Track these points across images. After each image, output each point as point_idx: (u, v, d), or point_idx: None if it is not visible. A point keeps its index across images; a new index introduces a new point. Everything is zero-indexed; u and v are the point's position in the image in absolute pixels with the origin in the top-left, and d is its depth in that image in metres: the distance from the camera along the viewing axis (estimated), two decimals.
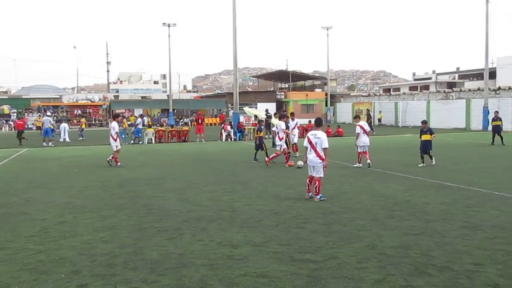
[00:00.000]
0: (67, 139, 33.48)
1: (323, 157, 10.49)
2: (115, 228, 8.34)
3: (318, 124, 11.09)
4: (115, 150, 17.77)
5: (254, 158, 18.85)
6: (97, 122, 62.72)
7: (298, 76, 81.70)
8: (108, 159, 17.85)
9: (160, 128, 34.54)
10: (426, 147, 16.49)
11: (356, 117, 17.64)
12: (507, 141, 24.73)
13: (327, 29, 62.13)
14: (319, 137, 10.58)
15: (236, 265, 6.25)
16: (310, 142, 10.66)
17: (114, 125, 17.91)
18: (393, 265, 6.17)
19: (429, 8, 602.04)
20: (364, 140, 16.41)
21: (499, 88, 43.87)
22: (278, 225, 8.42)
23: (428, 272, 5.92)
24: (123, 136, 30.18)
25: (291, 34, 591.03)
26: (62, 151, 25.62)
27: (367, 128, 16.95)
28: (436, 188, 12.03)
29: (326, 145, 10.52)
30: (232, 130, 32.96)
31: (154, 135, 31.73)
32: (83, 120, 42.74)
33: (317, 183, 10.54)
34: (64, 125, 34.54)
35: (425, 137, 16.58)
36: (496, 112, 26.99)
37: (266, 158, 17.63)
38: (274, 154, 17.70)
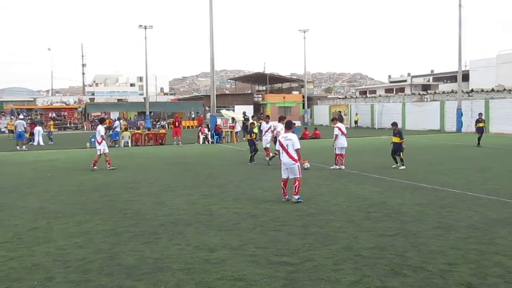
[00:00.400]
0: (41, 143, 32.95)
1: (296, 158, 10.61)
2: (90, 233, 8.22)
3: (289, 127, 11.19)
4: (98, 154, 17.64)
5: (250, 160, 19.01)
6: (72, 125, 61.79)
7: (275, 79, 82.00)
8: (108, 167, 17.51)
9: (136, 131, 34.22)
10: (396, 148, 16.74)
11: (334, 119, 17.77)
12: (483, 142, 25.20)
13: (304, 32, 62.52)
14: (290, 138, 10.72)
15: (213, 269, 6.23)
16: (281, 145, 10.81)
17: (99, 129, 17.81)
18: (368, 266, 6.23)
19: (404, 12, 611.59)
20: (342, 142, 16.59)
21: (472, 91, 44.76)
22: (255, 228, 8.42)
23: (403, 272, 5.99)
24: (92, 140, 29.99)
25: (269, 36, 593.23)
26: (36, 155, 25.16)
27: (345, 130, 17.11)
28: (411, 190, 12.19)
29: (297, 146, 10.66)
30: (209, 132, 32.87)
31: (130, 138, 31.42)
32: (50, 123, 41.95)
33: (297, 182, 10.62)
34: (38, 129, 33.96)
35: (395, 139, 16.82)
36: (480, 114, 27.62)
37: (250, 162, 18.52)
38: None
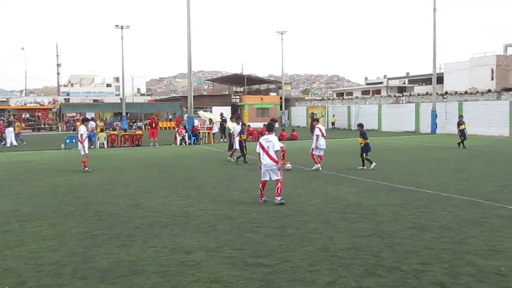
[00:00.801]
0: (14, 143, 32.33)
1: (277, 159, 10.64)
2: (64, 236, 8.09)
3: (270, 128, 11.25)
4: (82, 154, 17.37)
5: (244, 162, 19.04)
6: (46, 126, 60.75)
7: (253, 80, 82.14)
8: (83, 170, 17.24)
9: (112, 132, 33.78)
10: (361, 149, 17.12)
11: (315, 120, 18.04)
12: (454, 144, 25.65)
13: (282, 33, 62.68)
14: (271, 140, 10.76)
15: (189, 271, 6.19)
16: (262, 147, 10.81)
17: (81, 129, 17.57)
18: (344, 267, 6.28)
19: (380, 16, 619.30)
20: (322, 143, 16.80)
21: (446, 93, 45.54)
22: (232, 229, 8.41)
23: (378, 272, 6.06)
24: (73, 140, 29.47)
25: (247, 38, 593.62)
26: (9, 156, 24.64)
27: (324, 131, 17.29)
28: (386, 190, 12.34)
29: (277, 147, 10.72)
30: (186, 134, 32.70)
31: (106, 139, 31.05)
32: (17, 124, 41.04)
33: (279, 184, 10.63)
34: (10, 129, 33.29)
35: (360, 140, 17.23)
36: (461, 116, 28.07)
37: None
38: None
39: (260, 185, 10.96)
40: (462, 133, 25.89)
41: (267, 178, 10.79)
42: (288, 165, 16.65)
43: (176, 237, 7.95)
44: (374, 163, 16.70)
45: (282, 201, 10.57)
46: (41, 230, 8.58)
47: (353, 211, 9.80)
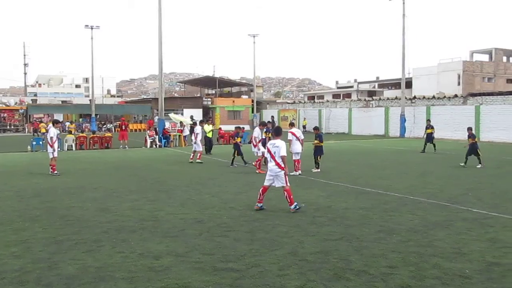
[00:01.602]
0: None
1: (282, 165, 10.23)
2: (29, 242, 7.88)
3: (277, 133, 10.76)
4: (51, 157, 16.98)
5: (245, 163, 19.22)
6: (12, 127, 59.24)
7: (225, 83, 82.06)
8: (50, 172, 16.88)
9: (81, 134, 33.09)
10: (315, 151, 17.51)
11: (290, 124, 17.88)
12: (421, 147, 26.12)
13: (254, 36, 62.95)
14: (278, 145, 10.32)
15: (157, 277, 6.11)
16: (269, 152, 10.43)
17: (51, 131, 17.22)
18: (313, 271, 6.31)
19: (351, 20, 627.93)
20: (297, 147, 16.55)
21: (415, 97, 46.48)
22: (202, 234, 8.35)
23: (346, 276, 6.11)
24: (40, 143, 28.83)
25: (219, 40, 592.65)
26: None
27: (300, 135, 16.93)
28: (356, 194, 12.48)
29: (284, 153, 10.28)
30: (157, 136, 32.38)
31: (74, 141, 30.47)
32: None
33: (286, 193, 10.25)
34: None
35: (315, 142, 17.69)
36: (428, 120, 28.54)
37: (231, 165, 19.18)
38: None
39: (260, 190, 10.52)
40: (428, 137, 26.30)
41: (269, 184, 10.40)
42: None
43: (144, 242, 7.84)
44: (319, 170, 17.08)
45: (297, 207, 10.15)
46: (5, 235, 8.34)
47: (322, 215, 9.88)
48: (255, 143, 18.01)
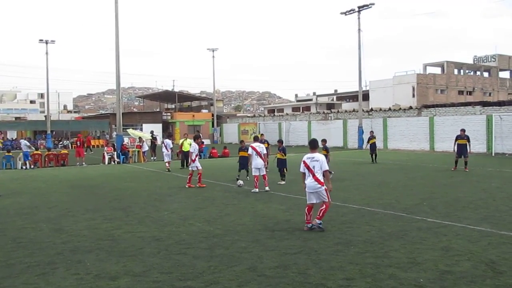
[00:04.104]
0: None
1: (322, 181, 9.68)
2: None
3: (313, 146, 10.17)
4: None
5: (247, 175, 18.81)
6: None
7: (184, 97, 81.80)
8: None
9: (35, 151, 32.00)
10: (279, 164, 18.09)
11: (254, 139, 17.39)
12: (380, 158, 26.75)
13: (213, 50, 63.06)
14: (317, 159, 9.74)
15: None
16: (307, 167, 9.80)
17: None
18: (272, 286, 6.31)
19: (309, 34, 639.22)
20: (258, 162, 15.86)
21: (372, 110, 47.58)
22: (160, 252, 8.23)
23: None
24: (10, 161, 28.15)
25: (178, 54, 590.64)
26: None
27: (261, 150, 16.05)
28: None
29: (326, 167, 9.73)
30: (115, 152, 31.81)
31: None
32: None
33: (324, 206, 9.68)
34: None
35: (279, 155, 18.25)
36: (372, 131, 29.23)
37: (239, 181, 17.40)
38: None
39: (306, 209, 9.98)
40: (371, 147, 27.07)
41: (313, 202, 9.83)
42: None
43: (101, 262, 7.66)
44: (284, 182, 17.53)
45: (320, 226, 9.64)
46: None
47: (281, 229, 9.92)
48: (193, 158, 17.19)
